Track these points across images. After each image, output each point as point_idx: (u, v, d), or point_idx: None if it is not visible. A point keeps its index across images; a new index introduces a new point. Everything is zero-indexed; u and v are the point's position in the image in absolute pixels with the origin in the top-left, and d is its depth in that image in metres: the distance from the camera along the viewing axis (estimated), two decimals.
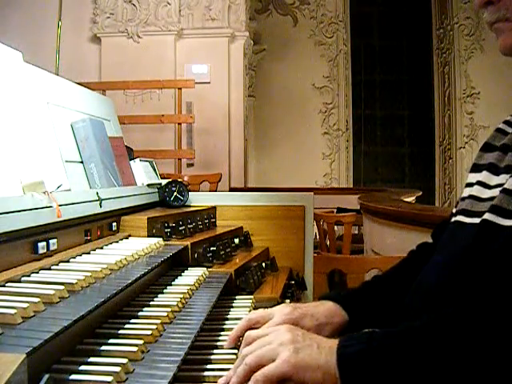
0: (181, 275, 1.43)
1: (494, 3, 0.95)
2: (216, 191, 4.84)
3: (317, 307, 1.05)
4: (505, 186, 0.94)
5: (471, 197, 1.02)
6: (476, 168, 1.07)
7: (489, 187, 1.00)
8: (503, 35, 0.96)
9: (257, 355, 0.83)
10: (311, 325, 0.99)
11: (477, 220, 0.96)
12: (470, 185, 1.06)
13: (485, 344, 0.77)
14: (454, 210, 1.10)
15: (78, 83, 1.88)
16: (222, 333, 1.14)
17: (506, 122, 1.08)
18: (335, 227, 5.21)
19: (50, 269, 1.07)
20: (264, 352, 0.83)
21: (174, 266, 1.51)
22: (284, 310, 1.01)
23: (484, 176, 1.02)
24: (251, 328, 0.99)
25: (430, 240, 1.23)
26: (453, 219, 1.05)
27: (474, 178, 1.06)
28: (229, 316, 1.28)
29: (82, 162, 1.63)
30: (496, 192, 0.96)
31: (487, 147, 1.08)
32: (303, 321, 0.99)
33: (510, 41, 0.95)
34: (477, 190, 1.02)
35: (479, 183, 1.03)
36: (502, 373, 0.75)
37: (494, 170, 1.01)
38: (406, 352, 0.79)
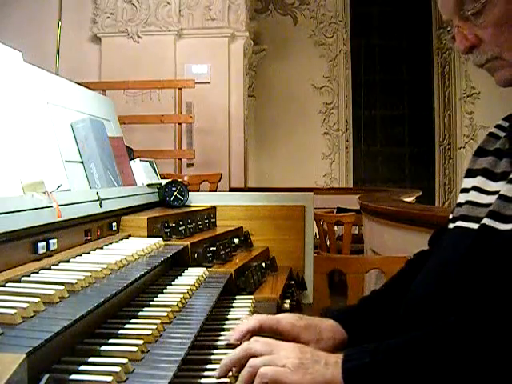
0: (181, 275, 1.43)
1: (476, 46, 0.96)
2: (216, 191, 4.84)
3: (321, 321, 1.06)
4: (501, 192, 0.95)
5: (468, 202, 1.03)
6: (470, 173, 1.08)
7: (486, 193, 1.01)
8: (497, 72, 0.97)
9: (263, 360, 0.84)
10: (313, 337, 1.00)
11: (475, 225, 0.97)
12: (465, 190, 1.06)
13: (489, 354, 0.77)
14: (450, 216, 1.10)
15: (78, 83, 1.88)
16: (222, 333, 1.14)
17: (498, 126, 1.08)
18: (335, 227, 5.21)
19: (50, 269, 1.07)
20: (271, 359, 0.84)
21: (173, 266, 1.51)
22: (290, 316, 1.02)
23: (479, 181, 1.03)
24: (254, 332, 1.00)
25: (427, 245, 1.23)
26: (451, 225, 1.06)
27: (468, 183, 1.06)
28: (229, 316, 1.28)
29: (82, 162, 1.63)
30: (494, 198, 0.96)
31: (480, 152, 1.08)
32: (307, 331, 1.00)
33: (507, 76, 0.96)
34: (474, 196, 1.02)
35: (475, 189, 1.03)
36: (505, 381, 0.75)
37: (490, 175, 1.02)
38: (410, 364, 0.79)
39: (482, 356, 0.77)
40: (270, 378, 0.81)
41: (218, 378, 0.88)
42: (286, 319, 1.01)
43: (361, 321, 1.09)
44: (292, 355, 0.84)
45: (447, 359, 0.78)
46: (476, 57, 0.97)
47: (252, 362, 0.84)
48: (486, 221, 0.94)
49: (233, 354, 0.88)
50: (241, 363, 0.87)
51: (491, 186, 1.00)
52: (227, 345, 1.02)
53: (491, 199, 0.97)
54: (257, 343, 0.89)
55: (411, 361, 0.80)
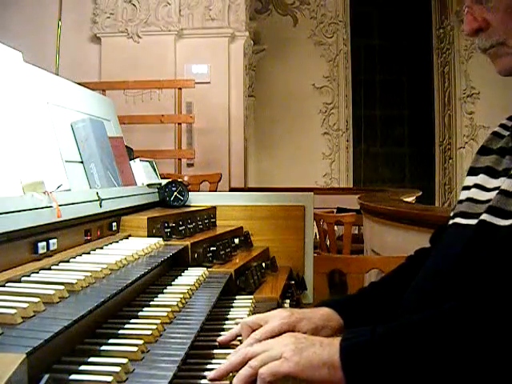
0: (181, 275, 1.43)
1: (483, 30, 0.95)
2: (216, 191, 4.84)
3: (313, 312, 1.06)
4: (502, 187, 0.95)
5: (469, 199, 1.03)
6: (473, 171, 1.08)
7: (487, 190, 1.01)
8: (500, 59, 0.97)
9: (261, 359, 0.84)
10: (308, 328, 1.00)
11: (474, 221, 0.97)
12: (467, 188, 1.06)
13: (485, 335, 0.78)
14: (451, 214, 1.10)
15: (78, 83, 1.88)
16: (221, 333, 1.14)
17: (502, 126, 1.08)
18: (335, 227, 5.21)
19: (50, 269, 1.07)
20: (268, 355, 0.84)
21: (173, 266, 1.51)
22: (281, 314, 1.01)
23: (481, 179, 1.03)
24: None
25: (428, 244, 1.23)
26: (451, 222, 1.06)
27: (471, 181, 1.06)
28: (229, 316, 1.28)
29: (82, 162, 1.63)
30: (494, 194, 0.96)
31: (484, 150, 1.08)
32: (300, 324, 1.00)
33: (508, 63, 0.96)
34: (474, 193, 1.03)
35: (477, 186, 1.03)
36: (502, 362, 0.76)
37: (492, 173, 1.02)
38: (408, 344, 0.80)
39: (479, 341, 0.78)
40: (269, 375, 0.81)
41: (211, 380, 0.87)
42: (278, 320, 0.99)
43: (357, 307, 1.10)
44: (287, 342, 0.85)
45: (445, 342, 0.78)
46: (481, 40, 0.97)
47: (252, 362, 0.84)
48: (484, 216, 0.94)
49: (232, 359, 0.88)
50: (240, 368, 0.86)
51: (492, 182, 1.00)
52: (220, 346, 1.02)
53: (491, 195, 0.97)
54: (253, 346, 0.88)
55: (409, 341, 0.80)
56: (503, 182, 0.95)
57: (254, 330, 0.98)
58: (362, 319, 1.07)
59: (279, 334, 0.96)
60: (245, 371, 0.84)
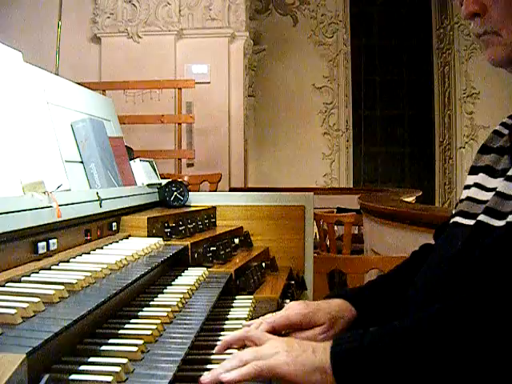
0: (181, 275, 1.43)
1: (480, 15, 0.95)
2: (216, 191, 4.84)
3: (328, 303, 1.06)
4: (498, 188, 0.95)
5: (468, 198, 1.04)
6: (473, 170, 1.09)
7: (486, 189, 1.01)
8: (491, 48, 0.96)
9: (253, 355, 0.84)
10: (325, 319, 1.01)
11: (472, 221, 0.98)
12: (467, 187, 1.07)
13: (473, 341, 0.78)
14: (453, 212, 1.11)
15: (78, 83, 1.88)
16: (221, 333, 1.14)
17: (503, 124, 1.09)
18: (335, 227, 5.21)
19: (50, 269, 1.07)
20: (261, 353, 0.84)
21: (174, 266, 1.51)
22: (296, 306, 1.02)
23: (480, 178, 1.04)
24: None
25: (432, 241, 1.24)
26: (451, 220, 1.07)
27: (471, 180, 1.07)
28: (229, 316, 1.28)
29: (82, 162, 1.63)
30: (492, 195, 0.97)
31: (484, 149, 1.09)
32: (317, 315, 1.01)
33: (499, 54, 0.95)
34: (474, 192, 1.03)
35: (476, 185, 1.04)
36: (491, 370, 0.76)
37: (491, 172, 1.03)
38: (396, 349, 0.81)
39: (466, 347, 0.78)
40: (264, 367, 0.82)
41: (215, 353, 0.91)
42: (294, 311, 1.01)
43: (370, 299, 1.10)
44: (279, 347, 0.85)
45: (433, 347, 0.79)
46: (476, 25, 0.96)
47: (241, 355, 0.85)
48: (481, 217, 0.95)
49: (224, 363, 0.87)
50: (239, 343, 0.92)
51: (491, 182, 1.01)
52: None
53: (490, 195, 0.98)
54: (245, 351, 0.89)
55: (397, 347, 0.81)
56: (500, 184, 0.96)
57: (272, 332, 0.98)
58: (374, 310, 1.08)
59: (293, 323, 0.98)
60: (231, 361, 0.84)
